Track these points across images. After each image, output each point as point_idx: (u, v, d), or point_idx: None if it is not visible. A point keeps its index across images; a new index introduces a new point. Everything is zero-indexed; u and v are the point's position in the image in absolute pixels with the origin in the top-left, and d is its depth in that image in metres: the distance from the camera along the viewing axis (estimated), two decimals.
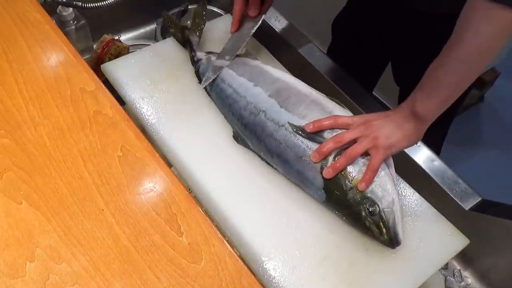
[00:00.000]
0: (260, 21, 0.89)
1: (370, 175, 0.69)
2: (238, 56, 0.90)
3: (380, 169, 0.71)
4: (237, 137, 0.83)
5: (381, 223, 0.68)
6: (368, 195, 0.69)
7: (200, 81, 0.90)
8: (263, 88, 0.82)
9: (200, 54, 0.92)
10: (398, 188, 0.80)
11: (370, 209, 0.68)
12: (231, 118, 0.84)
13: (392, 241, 0.68)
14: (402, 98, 1.09)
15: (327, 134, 0.73)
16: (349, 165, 0.71)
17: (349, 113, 0.78)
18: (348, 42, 1.19)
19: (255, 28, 0.89)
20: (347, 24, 1.17)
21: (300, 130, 0.74)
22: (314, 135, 0.74)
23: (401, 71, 1.13)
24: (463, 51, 0.65)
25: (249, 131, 0.80)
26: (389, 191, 0.70)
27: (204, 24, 0.98)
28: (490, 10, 0.61)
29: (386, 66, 1.22)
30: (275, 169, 0.79)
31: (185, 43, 0.96)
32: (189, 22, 1.00)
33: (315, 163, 0.72)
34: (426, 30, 0.97)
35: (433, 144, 0.89)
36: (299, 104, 0.78)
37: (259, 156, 0.80)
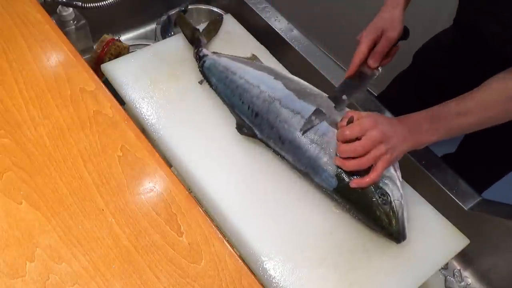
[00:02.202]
0: (378, 75, 0.82)
1: (378, 174, 0.70)
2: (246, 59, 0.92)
3: (391, 167, 0.73)
4: (241, 127, 0.84)
5: (391, 213, 0.70)
6: (380, 184, 0.71)
7: (204, 76, 0.92)
8: (282, 81, 0.84)
9: (206, 51, 0.94)
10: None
11: (383, 198, 0.70)
12: (240, 107, 0.85)
13: (399, 233, 0.69)
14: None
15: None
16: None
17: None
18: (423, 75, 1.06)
19: (369, 82, 0.82)
20: (427, 59, 1.05)
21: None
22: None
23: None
24: (490, 116, 0.69)
25: (260, 118, 0.82)
26: (398, 187, 0.72)
27: (215, 34, 1.02)
28: None
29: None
30: (283, 158, 0.80)
31: (193, 40, 0.98)
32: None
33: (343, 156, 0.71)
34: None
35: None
36: (313, 99, 0.80)
37: (266, 145, 0.81)
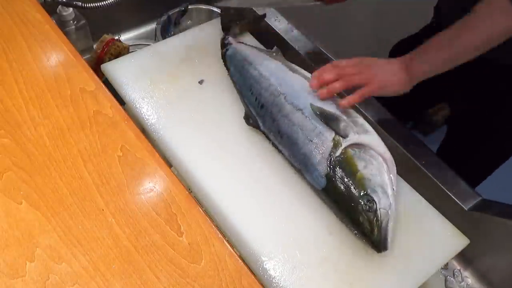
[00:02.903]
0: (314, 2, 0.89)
1: (356, 97, 0.76)
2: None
3: (385, 172, 0.72)
4: (248, 118, 0.85)
5: (374, 221, 0.68)
6: (368, 191, 0.69)
7: (224, 64, 0.94)
8: (293, 77, 0.85)
9: (231, 39, 0.96)
10: (398, 188, 0.80)
11: (368, 205, 0.69)
12: (249, 97, 0.86)
13: (380, 243, 0.68)
14: (448, 137, 1.11)
15: (343, 126, 0.75)
16: (343, 89, 0.77)
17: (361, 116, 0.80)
18: None
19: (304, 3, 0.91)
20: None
21: (319, 111, 0.76)
22: (330, 121, 0.76)
23: (456, 114, 1.11)
24: (475, 38, 0.70)
25: (265, 110, 0.83)
26: (389, 195, 0.70)
27: (250, 31, 1.03)
28: (509, 7, 0.65)
29: (429, 107, 1.20)
30: (281, 151, 0.80)
31: (225, 28, 1.01)
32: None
33: (312, 88, 0.79)
34: (493, 79, 0.94)
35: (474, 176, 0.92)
36: (318, 98, 0.80)
37: (267, 138, 0.82)
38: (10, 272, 0.57)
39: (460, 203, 0.79)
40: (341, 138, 0.74)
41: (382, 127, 0.86)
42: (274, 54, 0.94)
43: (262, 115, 0.83)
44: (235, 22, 1.01)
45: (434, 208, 0.79)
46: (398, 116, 0.91)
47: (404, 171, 0.82)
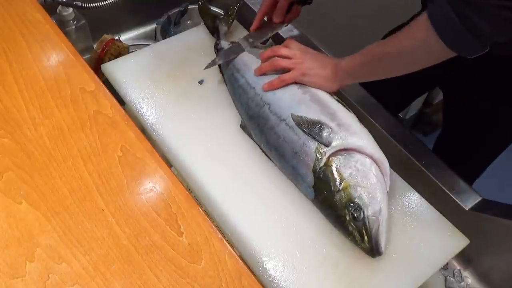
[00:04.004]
0: (280, 29, 0.94)
1: (277, 83, 0.81)
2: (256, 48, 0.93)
3: (373, 176, 0.70)
4: (244, 126, 0.84)
5: (363, 230, 0.67)
6: (355, 200, 0.68)
7: (220, 69, 0.93)
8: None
9: (223, 43, 0.94)
10: (398, 188, 0.80)
11: (355, 214, 0.67)
12: (240, 108, 0.86)
13: (372, 250, 0.67)
14: (444, 130, 1.12)
15: (325, 134, 0.73)
16: (269, 70, 0.83)
17: (353, 115, 0.79)
18: None
19: (273, 33, 0.93)
20: None
21: (300, 122, 0.76)
22: (311, 131, 0.74)
23: (452, 105, 1.09)
24: (395, 48, 0.72)
25: (253, 123, 0.82)
26: (378, 200, 0.69)
27: (235, 17, 1.02)
28: (428, 27, 0.65)
29: (421, 94, 1.20)
30: (274, 163, 0.80)
31: (214, 31, 0.99)
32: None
33: (256, 76, 0.84)
34: (488, 70, 0.91)
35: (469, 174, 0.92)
36: (302, 101, 0.79)
37: (260, 148, 0.81)
38: (10, 272, 0.57)
39: (460, 203, 0.79)
40: (324, 147, 0.72)
41: (382, 127, 0.86)
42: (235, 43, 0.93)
43: (252, 127, 0.82)
44: (218, 20, 1.00)
45: (434, 208, 0.79)
46: (390, 103, 0.92)
47: (404, 171, 0.82)
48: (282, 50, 0.84)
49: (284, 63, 0.82)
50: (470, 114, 0.95)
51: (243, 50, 0.90)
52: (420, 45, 0.69)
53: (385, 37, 1.13)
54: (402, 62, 0.73)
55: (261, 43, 0.94)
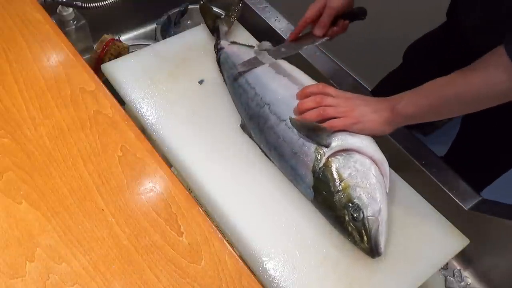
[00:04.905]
0: (320, 42, 0.87)
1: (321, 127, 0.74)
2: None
3: (372, 176, 0.70)
4: (244, 127, 0.84)
5: (363, 231, 0.67)
6: (355, 200, 0.68)
7: (220, 68, 0.92)
8: (278, 82, 0.84)
9: (223, 43, 0.94)
10: (398, 189, 0.80)
11: (354, 215, 0.67)
12: (240, 107, 0.86)
13: (372, 250, 0.67)
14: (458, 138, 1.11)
15: (325, 134, 0.73)
16: (316, 120, 0.74)
17: None
18: (417, 69, 1.09)
19: (311, 45, 0.88)
20: (414, 57, 1.10)
21: (299, 125, 0.75)
22: (310, 133, 0.74)
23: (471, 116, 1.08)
24: (469, 91, 0.64)
25: (253, 122, 0.82)
26: (377, 200, 0.69)
27: (236, 16, 1.01)
28: (509, 64, 0.59)
29: None
30: (273, 162, 0.80)
31: (214, 31, 0.99)
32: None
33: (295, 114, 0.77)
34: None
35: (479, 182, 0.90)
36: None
37: (260, 148, 0.81)
38: (10, 272, 0.57)
39: (460, 203, 0.79)
40: (323, 148, 0.72)
41: None
42: (265, 51, 0.91)
43: (251, 127, 0.82)
44: (219, 19, 1.00)
45: (434, 208, 0.79)
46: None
47: (404, 171, 0.82)
48: (329, 100, 0.76)
49: (332, 112, 0.74)
50: (488, 125, 0.93)
51: (273, 61, 0.87)
52: (501, 89, 0.61)
53: (406, 53, 1.12)
54: (476, 106, 0.67)
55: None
